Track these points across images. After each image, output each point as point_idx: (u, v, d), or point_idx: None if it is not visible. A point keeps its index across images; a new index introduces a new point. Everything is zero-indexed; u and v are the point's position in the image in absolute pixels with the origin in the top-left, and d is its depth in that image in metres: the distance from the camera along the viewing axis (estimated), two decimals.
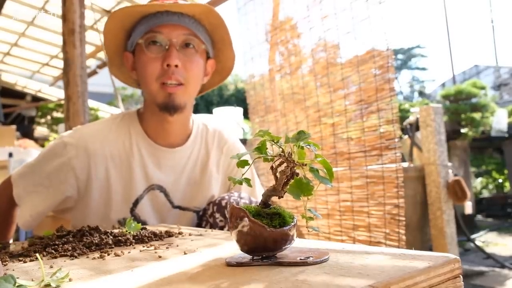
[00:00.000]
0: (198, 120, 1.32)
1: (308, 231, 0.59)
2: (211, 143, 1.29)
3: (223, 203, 1.13)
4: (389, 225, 1.77)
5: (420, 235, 3.61)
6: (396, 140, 1.74)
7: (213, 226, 1.15)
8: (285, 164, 0.54)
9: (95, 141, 1.17)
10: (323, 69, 2.08)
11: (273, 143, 0.54)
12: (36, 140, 5.76)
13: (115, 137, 1.19)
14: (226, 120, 4.02)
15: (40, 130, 6.79)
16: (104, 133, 1.19)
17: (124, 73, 1.30)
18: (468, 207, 3.61)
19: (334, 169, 2.00)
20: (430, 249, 3.69)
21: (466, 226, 4.20)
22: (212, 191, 1.26)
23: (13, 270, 0.61)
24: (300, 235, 2.01)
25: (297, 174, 0.54)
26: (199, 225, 1.21)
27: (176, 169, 1.22)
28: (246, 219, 0.53)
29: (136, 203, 1.17)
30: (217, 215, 1.14)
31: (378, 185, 1.81)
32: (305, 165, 0.53)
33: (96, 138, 1.17)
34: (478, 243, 4.64)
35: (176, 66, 1.11)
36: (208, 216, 1.17)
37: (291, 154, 0.53)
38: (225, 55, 1.27)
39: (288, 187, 0.54)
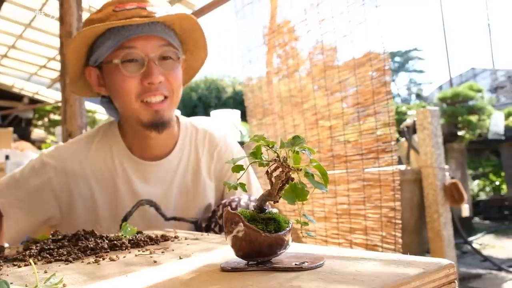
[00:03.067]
0: (185, 120, 1.25)
1: (303, 236, 0.59)
2: (202, 146, 1.23)
3: (233, 205, 1.08)
4: (386, 228, 1.77)
5: (417, 238, 3.61)
6: (393, 143, 1.74)
7: (223, 227, 1.13)
8: (280, 169, 0.54)
9: (74, 162, 1.13)
10: (321, 72, 2.08)
11: (268, 148, 0.54)
12: (33, 142, 5.75)
13: (95, 156, 1.15)
14: (224, 123, 4.01)
15: (37, 132, 6.78)
16: (84, 153, 1.15)
17: (79, 86, 1.21)
18: (465, 210, 3.61)
19: (331, 172, 2.00)
20: (427, 252, 3.69)
21: (463, 229, 4.21)
22: (208, 199, 1.21)
23: (7, 275, 0.60)
24: (298, 239, 2.02)
25: (292, 179, 0.54)
26: (208, 226, 1.16)
27: (165, 181, 1.17)
28: (241, 224, 0.52)
29: (125, 219, 1.13)
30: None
31: (375, 188, 1.82)
32: (300, 170, 0.53)
33: (75, 158, 1.14)
34: (475, 245, 4.64)
35: (160, 82, 1.06)
36: (218, 218, 1.13)
37: (286, 159, 0.53)
38: (194, 55, 1.22)
39: (283, 192, 0.54)
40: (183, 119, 1.25)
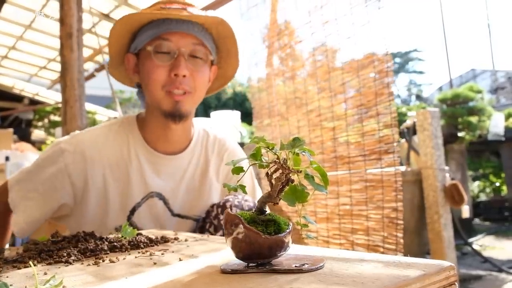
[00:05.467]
0: (199, 126, 1.31)
1: (303, 238, 0.59)
2: (211, 150, 1.28)
3: (228, 205, 1.11)
4: (387, 228, 1.77)
5: (417, 239, 3.60)
6: (395, 144, 1.75)
7: (217, 228, 1.14)
8: (280, 171, 0.54)
9: (93, 148, 1.15)
10: (324, 74, 2.09)
11: (268, 149, 0.54)
12: (33, 143, 5.75)
13: (113, 143, 1.17)
14: (224, 124, 4.02)
15: (37, 134, 6.78)
16: (101, 140, 1.17)
17: (121, 73, 1.29)
18: (466, 211, 3.61)
19: (334, 173, 2.00)
20: (428, 253, 3.69)
21: (464, 230, 4.20)
22: (212, 199, 1.25)
23: (7, 277, 0.60)
24: (299, 240, 2.01)
25: (292, 181, 0.54)
26: (202, 227, 1.19)
27: (175, 177, 1.20)
28: (241, 226, 0.52)
29: (133, 210, 1.16)
30: (222, 216, 1.13)
31: (377, 188, 1.82)
32: (300, 171, 0.53)
33: (94, 145, 1.16)
34: (475, 247, 4.64)
35: (184, 76, 1.11)
36: (213, 218, 1.16)
37: (286, 160, 0.53)
38: (228, 63, 1.28)
39: (283, 193, 0.54)
40: (197, 124, 1.31)
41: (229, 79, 1.32)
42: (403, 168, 3.70)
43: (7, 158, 3.25)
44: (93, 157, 1.15)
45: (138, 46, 1.16)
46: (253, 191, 1.34)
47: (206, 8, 2.71)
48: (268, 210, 0.58)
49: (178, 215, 1.20)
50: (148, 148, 1.19)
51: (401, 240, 1.72)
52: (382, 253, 1.77)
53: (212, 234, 1.14)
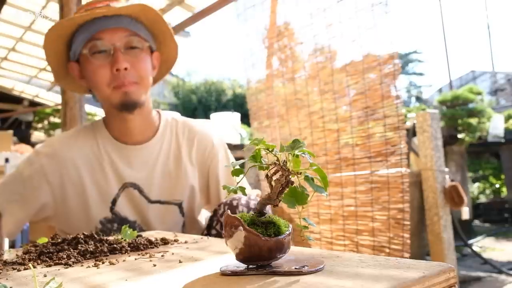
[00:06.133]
0: (167, 115, 1.35)
1: (303, 240, 0.59)
2: (182, 135, 1.32)
3: (234, 203, 1.13)
4: (393, 229, 1.78)
5: (417, 241, 3.60)
6: (402, 146, 1.75)
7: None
8: (280, 173, 0.54)
9: (64, 149, 1.23)
10: (327, 76, 2.08)
11: (268, 151, 0.54)
12: (33, 145, 5.74)
13: (83, 143, 1.25)
14: (224, 125, 4.01)
15: (37, 135, 6.77)
16: (72, 141, 1.25)
17: (71, 83, 1.33)
18: (465, 213, 3.60)
19: (338, 175, 2.01)
20: (428, 254, 3.68)
21: (463, 232, 4.20)
22: (190, 182, 1.29)
23: (7, 279, 0.60)
24: (300, 241, 2.01)
25: (292, 183, 0.54)
26: (209, 226, 1.20)
27: (147, 165, 1.25)
28: (240, 227, 0.52)
29: (114, 202, 1.22)
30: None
31: (383, 190, 1.82)
32: (300, 173, 0.53)
33: (65, 146, 1.24)
34: (475, 248, 4.64)
35: (126, 69, 1.14)
36: (220, 216, 1.18)
37: (286, 162, 0.53)
38: (167, 46, 1.30)
39: (283, 195, 0.54)
40: (165, 113, 1.35)
41: (172, 62, 1.35)
42: (409, 170, 3.70)
43: (6, 160, 3.25)
44: (66, 157, 1.22)
45: (76, 53, 1.19)
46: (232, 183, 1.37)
47: (204, 12, 2.71)
48: (270, 212, 0.58)
49: (158, 201, 1.25)
50: (115, 142, 1.24)
51: (408, 241, 1.73)
52: (388, 254, 1.78)
53: (218, 232, 1.16)
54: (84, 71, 1.20)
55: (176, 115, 1.39)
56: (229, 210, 1.14)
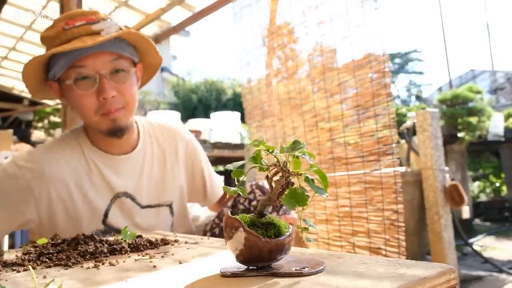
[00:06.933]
0: (142, 120, 1.34)
1: (303, 241, 0.59)
2: (161, 137, 1.32)
3: (260, 183, 1.22)
4: (389, 231, 1.77)
5: (417, 240, 3.60)
6: (394, 145, 1.74)
7: (252, 201, 1.23)
8: (280, 174, 0.54)
9: (52, 165, 1.16)
10: (320, 74, 2.08)
11: (268, 152, 0.54)
12: (33, 144, 5.74)
13: (69, 157, 1.19)
14: (224, 125, 4.01)
15: (37, 134, 6.77)
16: (58, 155, 1.19)
17: (48, 95, 1.28)
18: (466, 212, 3.60)
19: (332, 174, 2.00)
20: (428, 254, 3.68)
21: (464, 231, 4.20)
22: (178, 182, 1.31)
23: (6, 280, 0.60)
24: (300, 242, 2.01)
25: (292, 184, 0.54)
26: (234, 206, 1.26)
27: (135, 172, 1.24)
28: (241, 229, 0.52)
29: (106, 213, 1.19)
30: (257, 191, 1.23)
31: (377, 190, 1.81)
32: (300, 174, 0.52)
33: (53, 162, 1.17)
34: (476, 247, 4.64)
35: (113, 96, 1.10)
36: (248, 194, 1.24)
37: (286, 163, 0.53)
38: (149, 53, 1.24)
39: (283, 196, 0.54)
40: (140, 119, 1.34)
41: (156, 67, 1.29)
42: (402, 169, 3.70)
43: (6, 159, 3.24)
44: (53, 173, 1.16)
45: (56, 75, 1.12)
46: (213, 180, 1.42)
47: (204, 11, 2.71)
48: (269, 213, 0.58)
49: (149, 206, 1.25)
50: (102, 153, 1.21)
51: (403, 243, 1.71)
52: (385, 255, 1.76)
53: (247, 207, 1.24)
54: (67, 95, 1.15)
55: (147, 118, 1.38)
56: (256, 188, 1.23)
